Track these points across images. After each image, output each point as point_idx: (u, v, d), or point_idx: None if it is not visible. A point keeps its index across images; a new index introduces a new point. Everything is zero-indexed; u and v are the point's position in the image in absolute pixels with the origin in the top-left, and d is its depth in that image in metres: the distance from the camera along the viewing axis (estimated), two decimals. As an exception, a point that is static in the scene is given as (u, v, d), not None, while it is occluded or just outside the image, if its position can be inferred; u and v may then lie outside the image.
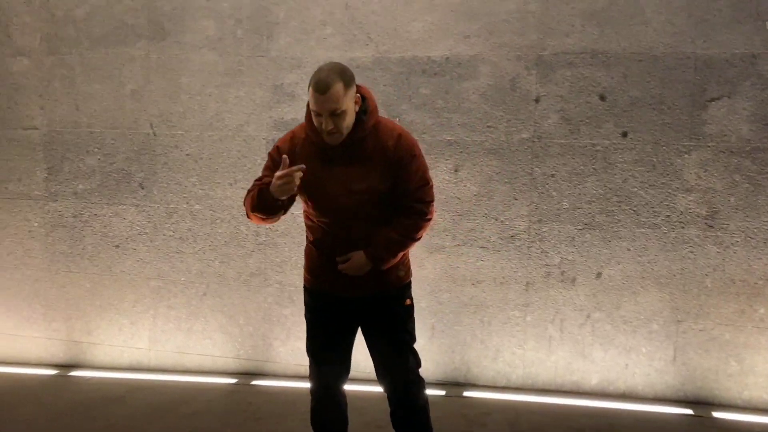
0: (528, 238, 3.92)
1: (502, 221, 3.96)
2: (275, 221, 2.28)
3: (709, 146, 3.66)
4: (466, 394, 3.90)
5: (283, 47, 4.18)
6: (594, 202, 3.82)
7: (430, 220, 2.27)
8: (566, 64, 3.80)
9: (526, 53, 3.85)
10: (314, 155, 2.18)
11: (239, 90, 4.20)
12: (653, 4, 3.67)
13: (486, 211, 3.97)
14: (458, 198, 3.86)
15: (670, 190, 3.72)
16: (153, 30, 4.29)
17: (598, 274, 3.85)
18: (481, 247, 3.98)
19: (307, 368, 3.72)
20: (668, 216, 3.73)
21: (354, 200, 2.17)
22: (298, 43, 4.15)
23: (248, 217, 2.28)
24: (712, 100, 3.64)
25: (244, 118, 4.26)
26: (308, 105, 2.12)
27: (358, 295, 2.27)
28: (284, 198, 2.10)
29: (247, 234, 4.33)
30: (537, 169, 3.87)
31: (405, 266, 2.37)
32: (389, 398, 2.35)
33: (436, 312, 4.06)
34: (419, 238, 2.29)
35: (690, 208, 3.70)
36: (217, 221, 4.37)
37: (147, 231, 4.24)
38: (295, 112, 4.20)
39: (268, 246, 4.31)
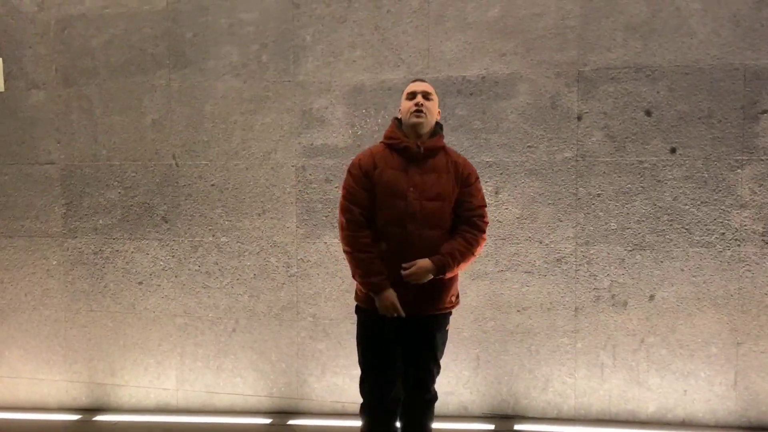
0: (575, 261, 3.70)
1: (546, 244, 3.74)
2: None
3: (762, 160, 3.46)
4: (516, 427, 3.64)
5: (310, 71, 3.97)
6: (643, 221, 3.61)
7: (484, 238, 2.47)
8: (609, 79, 3.61)
9: (566, 70, 3.65)
10: (393, 163, 2.40)
11: (266, 116, 3.99)
12: (698, 15, 3.49)
13: (530, 234, 3.75)
14: (500, 221, 3.63)
15: (723, 207, 3.51)
16: (174, 58, 4.08)
17: (651, 297, 3.63)
18: (526, 272, 3.75)
19: (344, 405, 3.48)
20: (723, 234, 3.52)
21: (428, 207, 2.33)
22: (326, 66, 3.95)
23: (342, 242, 2.50)
24: (764, 112, 3.45)
25: (272, 145, 4.04)
26: (392, 120, 2.57)
27: (411, 315, 2.38)
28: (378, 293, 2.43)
29: (278, 266, 4.09)
30: (582, 189, 3.66)
31: (456, 291, 2.57)
32: (409, 401, 2.51)
33: (480, 341, 3.82)
34: (476, 254, 2.45)
35: (745, 225, 3.49)
36: (245, 254, 4.13)
37: (171, 266, 3.99)
38: (325, 137, 3.99)
39: (299, 278, 4.07)
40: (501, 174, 3.53)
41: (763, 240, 3.41)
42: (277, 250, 3.99)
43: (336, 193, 3.91)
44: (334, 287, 3.96)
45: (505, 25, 3.65)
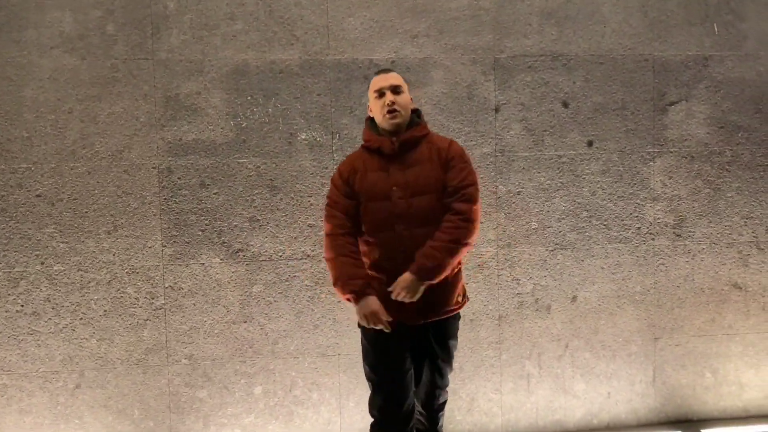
0: (497, 266, 3.26)
1: (467, 249, 3.23)
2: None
3: (671, 152, 3.33)
4: (448, 459, 3.09)
5: (175, 47, 3.03)
6: (564, 219, 3.29)
7: (471, 221, 2.13)
8: (526, 68, 3.22)
9: (482, 56, 3.19)
10: (373, 165, 2.18)
11: (114, 104, 2.96)
12: (609, 3, 3.24)
13: (449, 240, 3.21)
14: (417, 226, 3.04)
15: (638, 201, 3.31)
16: (-28, 23, 2.85)
17: (574, 298, 3.32)
18: (447, 282, 3.21)
19: None
20: (638, 228, 3.33)
21: (415, 203, 2.11)
22: (197, 42, 3.04)
23: (325, 250, 2.28)
24: (672, 104, 3.32)
25: (124, 141, 3.02)
26: (366, 120, 2.33)
27: (421, 322, 2.21)
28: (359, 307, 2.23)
29: (138, 297, 3.07)
30: (501, 186, 3.23)
31: (463, 288, 2.37)
32: (423, 407, 2.38)
33: (401, 366, 3.19)
34: (465, 243, 2.15)
35: (658, 218, 3.33)
36: (91, 285, 3.05)
37: (-21, 308, 2.78)
38: (198, 131, 3.07)
39: (169, 311, 3.10)
40: (418, 172, 2.93)
41: (674, 233, 3.27)
42: (137, 277, 2.99)
43: (216, 199, 3.02)
44: (217, 319, 3.07)
45: (416, 2, 3.09)
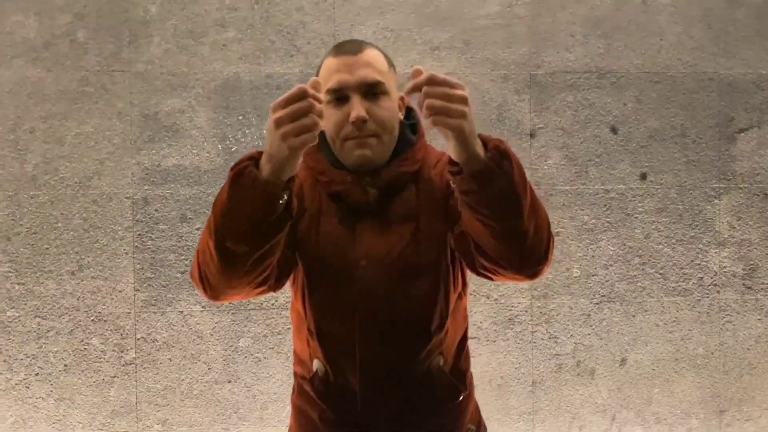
0: (531, 321, 2.68)
1: (495, 299, 2.68)
2: (259, 273, 1.00)
3: (741, 188, 2.73)
4: None
5: (156, 58, 2.54)
6: (612, 266, 2.70)
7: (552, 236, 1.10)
8: (567, 86, 2.68)
9: (515, 72, 2.65)
10: (332, 209, 1.13)
11: (83, 123, 2.48)
12: (667, 12, 2.70)
13: (473, 287, 2.66)
14: (436, 272, 2.48)
15: (701, 246, 2.72)
16: None
17: (623, 361, 2.72)
18: (471, 338, 2.64)
19: None
20: (701, 278, 2.72)
21: (404, 293, 1.11)
22: (181, 51, 2.55)
23: (199, 274, 1.02)
24: (741, 131, 2.73)
25: (94, 166, 2.52)
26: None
27: None
28: (291, 165, 0.93)
29: (104, 350, 2.54)
30: (537, 226, 2.65)
31: (476, 418, 1.36)
32: None
33: (414, 440, 2.61)
34: (549, 234, 1.03)
35: (725, 267, 2.72)
36: (50, 334, 2.53)
37: None
38: (180, 155, 2.56)
39: (140, 367, 2.56)
40: (438, 208, 2.38)
41: (744, 284, 2.65)
42: (103, 326, 2.47)
43: (197, 236, 2.50)
44: (196, 378, 2.52)
45: (438, 8, 2.57)
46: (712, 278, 2.69)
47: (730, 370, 2.70)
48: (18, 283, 2.49)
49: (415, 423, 1.16)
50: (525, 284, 2.61)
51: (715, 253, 2.68)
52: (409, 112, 1.19)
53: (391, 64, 1.15)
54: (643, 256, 2.67)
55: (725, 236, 2.69)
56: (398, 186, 1.13)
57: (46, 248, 2.50)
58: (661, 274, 2.68)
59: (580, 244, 2.64)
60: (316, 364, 1.14)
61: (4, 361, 2.49)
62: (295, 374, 1.21)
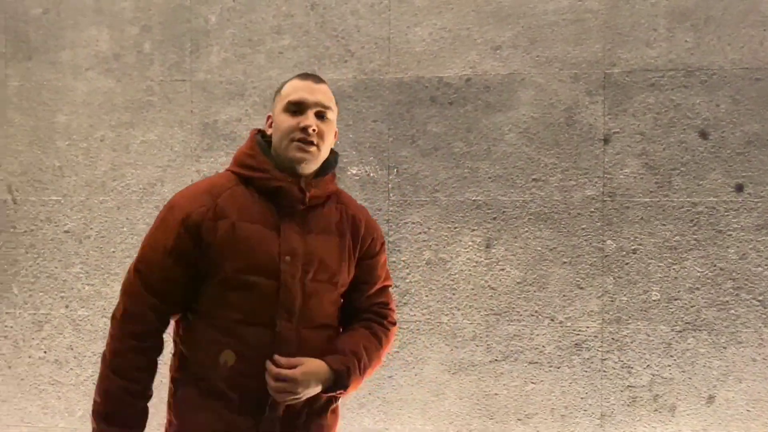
0: (601, 347, 2.38)
1: (561, 322, 2.41)
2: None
3: None
4: None
5: (215, 67, 2.54)
6: (699, 289, 2.34)
7: (395, 334, 1.46)
8: (648, 86, 2.36)
9: (586, 71, 2.38)
10: (257, 213, 1.31)
11: (148, 132, 2.53)
12: (773, -2, 2.28)
13: (536, 308, 2.41)
14: (493, 288, 2.30)
15: (811, 269, 2.28)
16: (13, 44, 2.58)
17: (710, 398, 2.34)
18: (531, 363, 2.40)
19: None
20: (811, 307, 2.28)
21: (315, 291, 1.31)
22: (239, 61, 2.53)
23: (108, 340, 1.35)
24: None
25: (157, 173, 2.57)
26: (252, 135, 1.40)
27: None
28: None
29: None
30: (611, 242, 2.36)
31: (335, 414, 1.42)
32: None
33: (465, 467, 2.41)
34: (382, 360, 1.43)
35: (843, 295, 2.26)
36: (115, 333, 2.59)
37: (3, 352, 2.51)
38: (236, 164, 2.54)
39: (196, 370, 2.56)
40: (495, 219, 2.20)
41: None
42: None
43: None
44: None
45: (500, 4, 2.35)
46: (826, 308, 2.26)
47: None
48: (88, 284, 2.59)
49: (312, 418, 1.37)
50: (594, 305, 2.34)
51: (831, 278, 2.25)
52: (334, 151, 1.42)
53: (336, 104, 1.39)
54: (738, 279, 2.30)
55: (844, 259, 2.25)
56: (321, 198, 1.36)
57: (113, 251, 2.58)
58: (759, 301, 2.30)
59: (660, 263, 2.32)
60: (227, 357, 1.28)
61: (75, 357, 2.59)
62: (174, 379, 1.39)
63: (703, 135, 2.35)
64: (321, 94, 1.31)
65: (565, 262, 2.40)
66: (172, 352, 1.46)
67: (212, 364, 1.28)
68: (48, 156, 2.64)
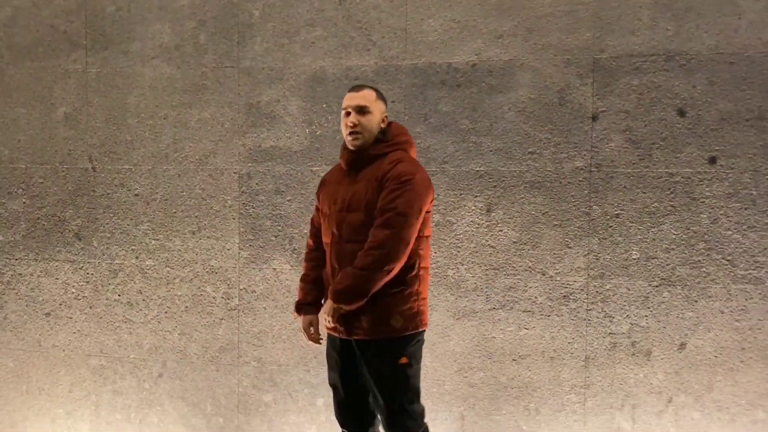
0: (586, 299, 2.73)
1: (551, 276, 2.76)
2: None
3: (828, 174, 2.52)
4: None
5: (258, 55, 2.97)
6: (673, 249, 2.65)
7: (381, 248, 1.93)
8: (632, 69, 2.66)
9: (578, 57, 2.69)
10: (335, 178, 2.17)
11: (203, 111, 2.98)
12: (748, -10, 2.54)
13: (530, 264, 2.77)
14: (492, 247, 2.66)
15: (776, 233, 2.56)
16: (92, 37, 3.06)
17: (682, 345, 2.66)
18: (525, 311, 2.77)
19: None
20: (775, 267, 2.56)
21: (347, 219, 2.04)
22: (278, 50, 2.95)
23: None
24: (831, 112, 2.50)
25: (210, 146, 3.03)
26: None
27: (350, 336, 2.05)
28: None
29: (215, 297, 3.06)
30: (596, 207, 2.69)
31: (403, 315, 2.02)
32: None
33: (466, 397, 2.82)
34: (374, 270, 1.95)
35: (805, 256, 2.54)
36: (176, 281, 3.10)
37: (85, 294, 2.97)
38: (275, 138, 2.98)
39: (242, 312, 3.05)
40: (495, 187, 2.55)
41: (827, 276, 2.46)
42: (215, 277, 2.97)
43: (289, 206, 2.90)
44: (285, 325, 2.95)
45: (503, -1, 2.68)
46: (788, 268, 2.55)
47: (807, 365, 2.55)
48: (154, 239, 3.09)
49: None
50: (581, 262, 2.69)
51: (794, 241, 2.54)
52: (389, 125, 2.15)
53: (379, 97, 2.14)
54: (709, 241, 2.61)
55: (806, 224, 2.53)
56: (364, 160, 2.11)
57: (174, 212, 3.07)
58: (728, 260, 2.60)
59: (640, 226, 2.65)
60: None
61: (143, 300, 3.11)
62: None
63: (681, 113, 2.65)
64: (358, 99, 2.07)
65: (555, 225, 2.75)
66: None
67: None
68: (121, 131, 3.13)
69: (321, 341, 2.16)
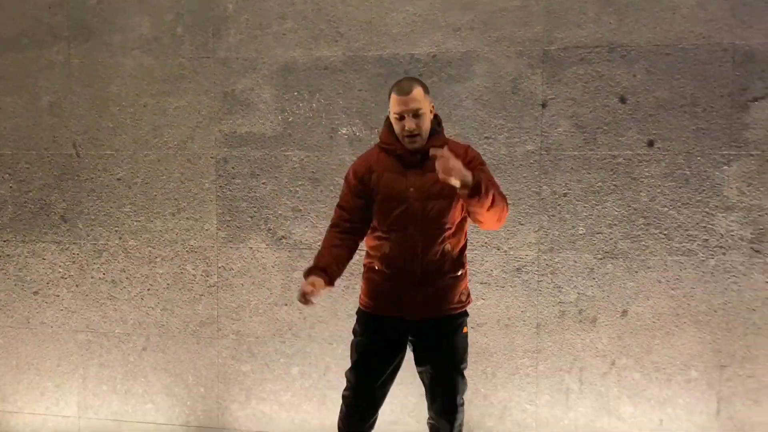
0: (537, 271, 2.97)
1: (505, 251, 3.00)
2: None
3: (752, 155, 2.78)
4: (469, 464, 2.89)
5: (233, 46, 3.16)
6: (616, 225, 2.90)
7: (506, 207, 2.16)
8: (578, 60, 2.89)
9: (529, 48, 2.92)
10: (390, 167, 2.14)
11: (181, 99, 3.16)
12: (682, -13, 2.78)
13: (485, 240, 3.01)
14: (452, 224, 2.87)
15: (707, 209, 2.82)
16: (74, 29, 3.21)
17: (624, 312, 2.92)
18: (481, 283, 3.01)
19: None
20: (706, 240, 2.83)
21: (430, 206, 2.10)
22: (251, 41, 3.14)
23: None
24: (755, 99, 2.77)
25: (188, 132, 3.21)
26: (386, 119, 2.18)
27: (420, 317, 2.15)
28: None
29: (195, 274, 3.26)
30: (546, 187, 2.93)
31: (466, 290, 2.27)
32: (433, 416, 2.25)
33: (428, 364, 3.05)
34: (502, 211, 2.14)
35: (732, 230, 2.81)
36: (157, 260, 3.29)
37: (71, 273, 3.14)
38: (250, 124, 3.17)
39: (221, 289, 3.25)
40: (453, 169, 2.76)
41: (751, 248, 2.73)
42: (195, 255, 3.17)
43: (264, 189, 3.10)
44: (261, 300, 3.16)
45: (460, -6, 2.89)
46: (717, 240, 2.81)
47: (734, 328, 2.82)
48: (136, 221, 3.27)
49: (431, 283, 2.15)
50: (532, 238, 2.91)
51: (723, 216, 2.80)
52: (436, 116, 2.19)
53: (426, 92, 2.12)
54: (648, 217, 2.86)
55: (734, 201, 2.79)
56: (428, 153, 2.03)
57: (155, 195, 3.25)
58: (665, 234, 2.86)
59: (586, 204, 2.89)
60: (385, 248, 2.15)
61: (127, 278, 3.29)
62: (367, 264, 2.26)
63: (622, 100, 2.89)
64: (412, 103, 2.04)
65: (509, 204, 2.98)
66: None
67: (378, 248, 2.27)
68: (103, 119, 3.30)
69: (313, 303, 2.08)
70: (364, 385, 2.17)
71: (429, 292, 2.12)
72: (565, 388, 2.92)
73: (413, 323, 2.15)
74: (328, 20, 3.01)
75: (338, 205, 2.22)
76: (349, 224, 2.17)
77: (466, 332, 2.24)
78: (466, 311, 2.24)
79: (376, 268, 2.17)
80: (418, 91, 2.03)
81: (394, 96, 2.06)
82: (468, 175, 1.91)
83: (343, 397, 2.25)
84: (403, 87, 2.04)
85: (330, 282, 2.10)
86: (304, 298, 2.06)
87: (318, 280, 2.07)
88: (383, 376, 2.17)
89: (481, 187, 1.94)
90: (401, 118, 2.04)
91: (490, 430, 3.00)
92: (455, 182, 1.89)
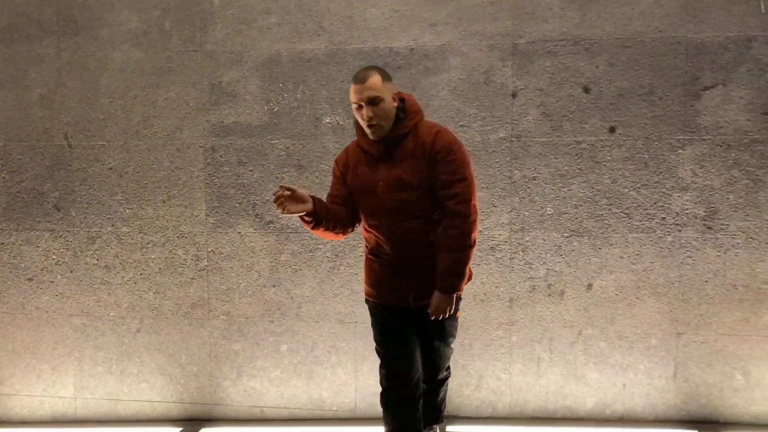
0: (510, 249, 3.19)
1: (480, 231, 3.21)
2: (334, 236, 2.25)
3: (704, 140, 3.03)
4: (449, 429, 3.13)
5: (219, 40, 3.30)
6: (581, 206, 3.13)
7: (473, 221, 2.10)
8: (545, 53, 3.10)
9: (500, 42, 3.12)
10: (363, 160, 2.17)
11: (169, 91, 3.29)
12: (639, -16, 3.00)
13: (462, 221, 3.20)
14: (430, 207, 3.07)
15: (664, 190, 3.07)
16: (64, 24, 3.31)
17: (589, 286, 3.16)
18: (458, 262, 3.20)
19: (263, 410, 3.04)
20: (663, 218, 3.08)
21: (398, 198, 2.09)
22: (237, 35, 3.28)
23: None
24: (706, 88, 3.01)
25: (177, 123, 3.35)
26: (354, 120, 2.15)
27: (415, 306, 2.24)
28: (296, 214, 2.07)
29: (186, 259, 3.42)
30: (516, 171, 3.15)
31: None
32: (424, 380, 2.35)
33: (410, 338, 3.26)
34: (473, 243, 2.12)
35: (686, 209, 3.06)
36: (149, 245, 3.44)
37: (66, 260, 3.27)
38: (237, 115, 3.33)
39: (211, 272, 3.41)
40: (431, 155, 2.95)
41: (704, 224, 2.99)
42: (185, 241, 3.32)
43: (251, 176, 3.26)
44: (250, 282, 3.33)
45: (435, -9, 3.07)
46: (674, 218, 3.06)
47: (689, 298, 3.08)
48: (128, 208, 3.41)
49: (416, 272, 2.22)
50: (504, 219, 3.14)
51: (678, 196, 3.05)
52: (402, 101, 2.11)
53: (386, 79, 2.08)
54: (611, 198, 3.09)
55: (688, 182, 3.04)
56: (396, 141, 2.13)
57: (146, 183, 3.39)
58: (626, 214, 3.09)
59: (553, 187, 3.11)
60: (372, 240, 2.23)
61: (120, 263, 3.44)
62: (365, 251, 2.31)
63: (586, 90, 3.11)
64: (366, 91, 2.01)
65: (483, 187, 3.20)
66: None
67: (368, 241, 2.37)
68: (94, 110, 3.42)
69: (284, 208, 2.00)
70: (393, 352, 2.22)
71: (416, 282, 2.16)
72: (536, 357, 3.16)
73: (410, 309, 2.22)
74: (310, 15, 3.17)
75: (329, 194, 2.28)
76: (338, 202, 2.23)
77: (458, 316, 2.33)
78: (459, 296, 2.19)
79: (370, 257, 2.26)
80: (374, 79, 1.99)
81: (351, 86, 2.04)
82: (452, 300, 2.15)
83: (381, 372, 2.28)
84: (358, 76, 2.01)
85: (313, 206, 2.05)
86: (281, 189, 1.96)
87: (298, 195, 2.02)
88: (408, 344, 2.23)
89: (460, 287, 2.17)
90: (359, 107, 2.02)
91: (468, 398, 3.22)
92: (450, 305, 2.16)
